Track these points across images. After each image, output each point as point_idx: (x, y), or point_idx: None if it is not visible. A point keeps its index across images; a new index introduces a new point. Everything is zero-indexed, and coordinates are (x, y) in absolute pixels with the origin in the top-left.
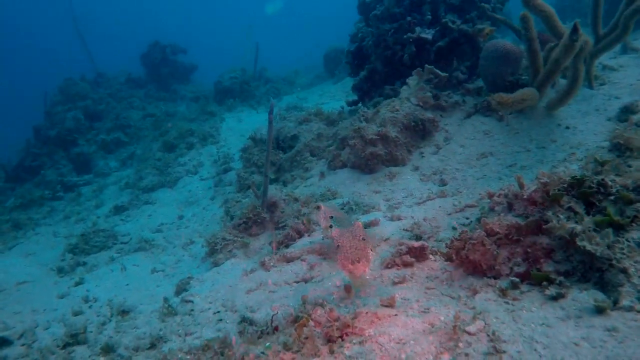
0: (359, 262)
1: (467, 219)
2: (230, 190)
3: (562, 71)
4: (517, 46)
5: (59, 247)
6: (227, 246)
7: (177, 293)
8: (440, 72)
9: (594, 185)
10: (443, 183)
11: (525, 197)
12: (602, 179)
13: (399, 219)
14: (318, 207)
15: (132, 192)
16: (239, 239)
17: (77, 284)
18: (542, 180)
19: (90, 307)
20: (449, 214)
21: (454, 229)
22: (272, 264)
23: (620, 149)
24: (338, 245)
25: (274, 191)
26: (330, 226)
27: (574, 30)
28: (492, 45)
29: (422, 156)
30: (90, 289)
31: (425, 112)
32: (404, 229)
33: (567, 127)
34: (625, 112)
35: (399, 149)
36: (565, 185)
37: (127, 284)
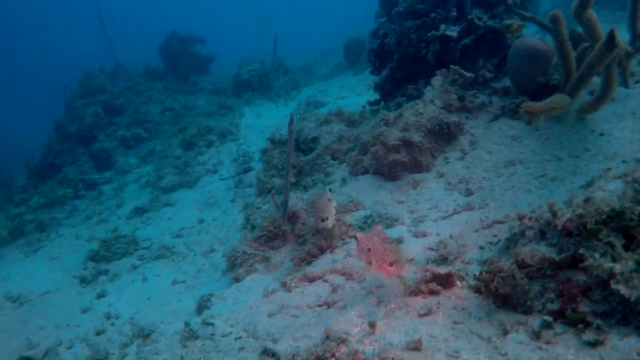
0: (396, 263)
1: (496, 236)
2: (251, 193)
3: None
4: (548, 44)
5: (81, 250)
6: (247, 260)
7: (198, 311)
8: (465, 73)
9: (635, 217)
10: (469, 193)
11: (559, 227)
12: None
13: (424, 235)
14: (355, 237)
15: (152, 192)
16: (260, 252)
17: (100, 296)
18: (577, 212)
19: (112, 324)
20: (476, 231)
21: (482, 248)
22: (293, 284)
23: None
24: (369, 249)
25: (294, 200)
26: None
27: (610, 38)
28: (521, 43)
29: (447, 162)
30: (112, 303)
31: (450, 115)
32: (429, 248)
33: (602, 134)
34: None
35: (422, 154)
36: (603, 217)
37: (149, 298)
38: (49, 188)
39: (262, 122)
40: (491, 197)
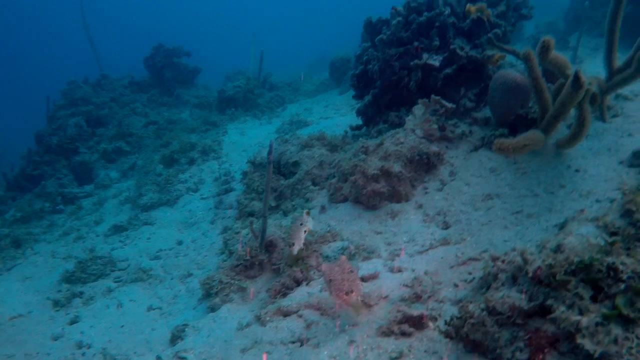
0: (352, 292)
1: (470, 274)
2: (231, 215)
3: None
4: (527, 78)
5: (57, 270)
6: (223, 290)
7: (172, 341)
8: (447, 104)
9: (603, 269)
10: (447, 226)
11: (529, 274)
12: (613, 263)
13: (400, 270)
14: (321, 269)
15: (132, 209)
16: (236, 282)
17: (72, 322)
18: (547, 262)
19: (83, 354)
20: (452, 267)
21: (456, 286)
22: (268, 318)
23: (632, 216)
24: (330, 280)
25: (272, 228)
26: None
27: (576, 79)
28: (501, 77)
29: (427, 192)
30: (84, 330)
31: (430, 145)
32: (404, 284)
33: (577, 170)
34: (637, 157)
35: (402, 184)
36: (572, 267)
37: (122, 326)
38: (26, 201)
39: (245, 141)
40: (468, 231)
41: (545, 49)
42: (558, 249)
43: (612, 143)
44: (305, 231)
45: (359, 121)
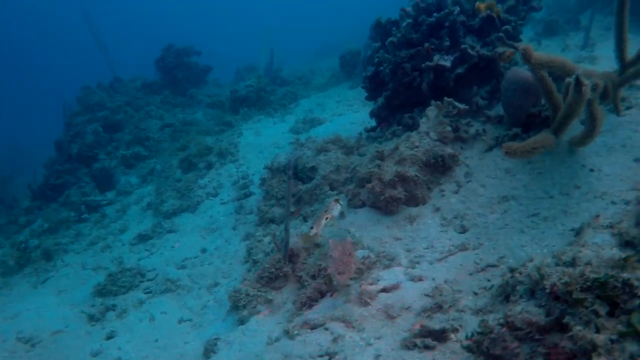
0: (344, 274)
1: (489, 280)
2: (252, 220)
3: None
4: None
5: (88, 281)
6: (250, 302)
7: (205, 355)
8: (459, 105)
9: (619, 285)
10: (464, 229)
11: (547, 290)
12: (628, 279)
13: (420, 279)
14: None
15: (154, 216)
16: (262, 293)
17: (109, 337)
18: (562, 281)
19: None
20: (470, 274)
21: (475, 294)
22: (296, 332)
23: None
24: (331, 256)
25: (294, 238)
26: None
27: (577, 84)
28: (513, 75)
29: (443, 195)
30: (121, 346)
31: (445, 147)
32: (425, 294)
33: (592, 170)
34: None
35: (418, 187)
36: (589, 284)
37: (157, 340)
38: (52, 211)
39: (261, 141)
40: (485, 235)
41: (526, 59)
42: (573, 262)
43: (627, 139)
44: (327, 218)
45: (373, 122)
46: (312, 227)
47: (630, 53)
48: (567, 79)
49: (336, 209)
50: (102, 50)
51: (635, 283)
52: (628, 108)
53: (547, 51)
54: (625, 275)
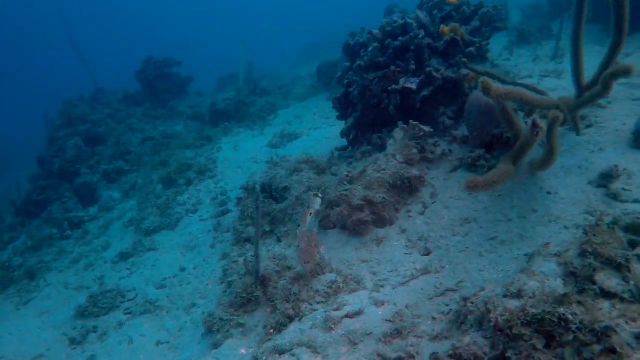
0: (308, 262)
1: (447, 305)
2: (229, 239)
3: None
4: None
5: (70, 302)
6: (224, 327)
7: None
8: (425, 128)
9: (555, 320)
10: (428, 252)
11: (492, 323)
12: (564, 314)
13: (383, 304)
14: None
15: (135, 232)
16: (235, 318)
17: None
18: (504, 317)
19: None
20: (430, 299)
21: (434, 319)
22: (264, 358)
23: (587, 256)
24: (298, 245)
25: (265, 261)
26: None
27: (534, 126)
28: (475, 99)
29: (409, 216)
30: None
31: (411, 169)
32: (386, 319)
33: (549, 192)
34: (603, 179)
35: (386, 209)
36: (528, 320)
37: None
38: (35, 228)
39: (239, 156)
40: (447, 258)
41: (485, 92)
42: (519, 294)
43: (583, 160)
44: (310, 213)
45: (344, 142)
46: (299, 225)
47: (595, 63)
48: (527, 121)
49: (317, 203)
50: (83, 60)
51: (570, 317)
52: (588, 127)
53: (519, 61)
54: (561, 310)
